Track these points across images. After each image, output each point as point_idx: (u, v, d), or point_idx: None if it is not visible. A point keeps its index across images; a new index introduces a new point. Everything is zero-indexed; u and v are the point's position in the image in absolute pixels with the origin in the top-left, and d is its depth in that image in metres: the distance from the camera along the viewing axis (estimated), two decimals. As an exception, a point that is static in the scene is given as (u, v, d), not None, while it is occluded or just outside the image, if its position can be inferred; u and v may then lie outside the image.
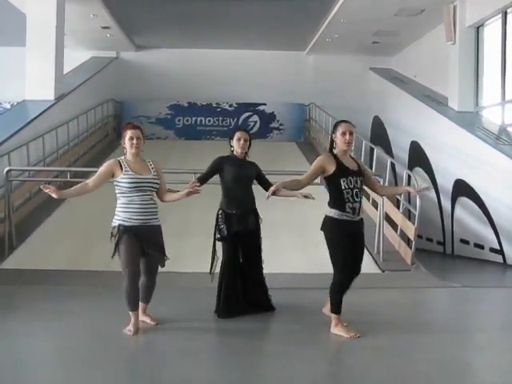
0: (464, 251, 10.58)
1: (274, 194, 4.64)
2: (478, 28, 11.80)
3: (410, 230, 8.15)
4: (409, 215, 9.18)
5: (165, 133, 18.19)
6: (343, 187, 4.64)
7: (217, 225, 5.45)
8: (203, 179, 5.41)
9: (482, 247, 9.96)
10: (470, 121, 11.28)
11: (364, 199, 5.49)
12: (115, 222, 4.78)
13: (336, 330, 4.79)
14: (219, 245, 5.49)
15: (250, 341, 4.89)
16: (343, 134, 4.68)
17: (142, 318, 4.99)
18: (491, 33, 11.54)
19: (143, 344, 4.65)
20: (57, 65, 12.34)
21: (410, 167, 12.97)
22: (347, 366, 4.43)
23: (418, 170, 12.73)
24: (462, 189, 10.68)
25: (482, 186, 10.02)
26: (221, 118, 18.46)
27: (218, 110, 18.48)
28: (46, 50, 12.06)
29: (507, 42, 10.92)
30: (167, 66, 17.90)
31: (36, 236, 8.97)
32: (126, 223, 4.72)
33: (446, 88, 12.66)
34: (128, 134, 4.83)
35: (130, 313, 4.82)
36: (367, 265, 7.37)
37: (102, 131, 16.01)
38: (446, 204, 11.40)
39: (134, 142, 4.81)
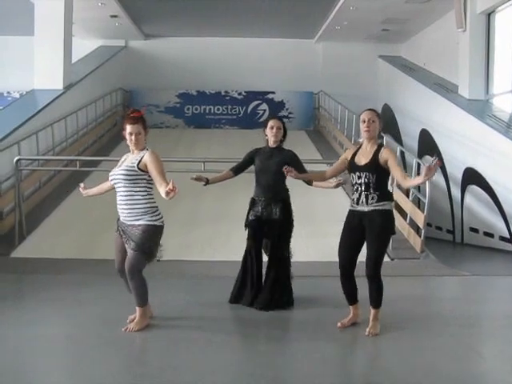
0: (474, 240, 10.54)
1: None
2: (489, 15, 11.67)
3: (420, 219, 8.12)
4: (418, 203, 9.15)
5: (174, 121, 18.20)
6: (352, 182, 4.73)
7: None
8: (236, 169, 5.59)
9: (491, 236, 9.92)
10: (480, 109, 11.19)
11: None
12: None
13: None
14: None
15: (259, 329, 4.92)
16: (363, 121, 4.70)
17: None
18: (503, 20, 11.42)
19: (152, 332, 4.67)
20: (65, 54, 12.35)
21: (420, 155, 12.91)
22: (356, 354, 4.44)
23: (428, 158, 12.66)
24: (471, 177, 10.62)
25: (492, 175, 9.96)
26: (230, 107, 18.43)
27: (227, 98, 18.44)
28: (54, 38, 12.07)
29: (519, 28, 10.81)
30: (176, 54, 17.86)
31: (46, 225, 9.03)
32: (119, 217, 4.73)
33: (456, 76, 12.55)
34: (127, 128, 4.64)
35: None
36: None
37: (110, 120, 16.02)
38: (456, 192, 11.35)
39: (133, 138, 4.62)
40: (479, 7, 11.54)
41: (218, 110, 18.42)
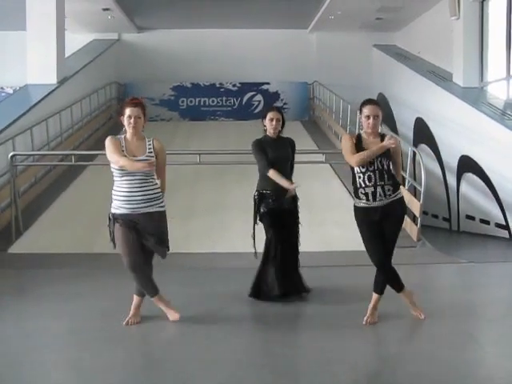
0: (470, 227, 10.57)
1: None
2: (482, 2, 11.65)
3: (416, 207, 8.15)
4: (414, 192, 9.17)
5: (169, 114, 18.15)
6: (356, 171, 4.53)
7: (255, 206, 5.41)
8: (269, 164, 5.29)
9: (487, 223, 9.95)
10: (475, 96, 11.19)
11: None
12: (110, 210, 4.61)
13: None
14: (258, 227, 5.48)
15: (261, 319, 4.95)
16: (367, 117, 4.52)
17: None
18: (496, 6, 11.40)
19: (153, 324, 4.68)
20: (58, 48, 12.28)
21: (415, 144, 12.91)
22: (356, 343, 4.45)
23: (423, 146, 12.68)
24: (467, 165, 10.64)
25: (488, 162, 9.98)
26: (224, 98, 18.39)
27: (222, 90, 18.40)
28: (46, 33, 11.99)
29: (512, 15, 10.80)
30: (169, 46, 17.79)
31: (42, 220, 9.02)
32: (117, 211, 4.53)
33: (450, 64, 12.55)
34: (127, 112, 4.53)
35: (154, 298, 4.73)
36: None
37: (105, 114, 15.98)
38: (452, 180, 11.37)
39: (132, 121, 4.52)
40: (472, -6, 11.53)
41: (213, 101, 18.39)
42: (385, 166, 4.50)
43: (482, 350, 4.24)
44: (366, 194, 4.49)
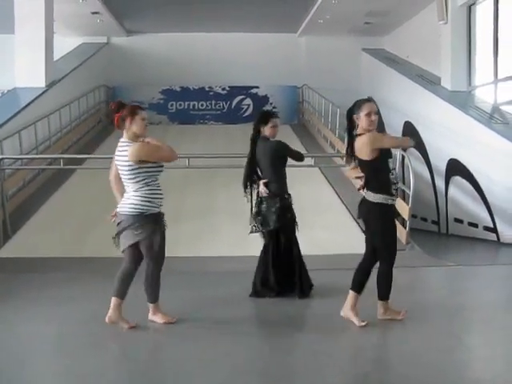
0: (458, 230, 10.63)
1: None
2: (470, 7, 11.76)
3: (405, 210, 8.18)
4: (403, 195, 9.21)
5: (158, 118, 18.09)
6: (390, 167, 4.49)
7: (289, 211, 5.49)
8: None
9: (476, 226, 10.01)
10: (463, 100, 11.28)
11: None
12: (145, 211, 4.48)
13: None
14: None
15: (251, 323, 4.94)
16: (368, 114, 4.43)
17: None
18: (483, 11, 11.50)
19: (142, 329, 4.66)
20: (47, 51, 12.24)
21: (404, 148, 12.98)
22: (344, 345, 4.47)
23: (412, 150, 12.73)
24: (455, 168, 10.70)
25: (476, 165, 10.04)
26: (214, 102, 18.43)
27: (211, 93, 18.42)
28: (35, 36, 11.96)
29: (499, 20, 10.90)
30: (159, 50, 17.79)
31: (31, 224, 8.96)
32: (154, 211, 4.53)
33: (438, 68, 12.64)
34: (141, 114, 4.58)
35: (154, 304, 4.76)
36: (362, 244, 7.40)
37: (94, 117, 15.95)
38: (440, 183, 11.43)
39: (146, 122, 4.61)
40: (460, -1, 11.63)
41: (202, 105, 18.41)
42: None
43: (470, 353, 4.26)
44: (397, 190, 4.56)
